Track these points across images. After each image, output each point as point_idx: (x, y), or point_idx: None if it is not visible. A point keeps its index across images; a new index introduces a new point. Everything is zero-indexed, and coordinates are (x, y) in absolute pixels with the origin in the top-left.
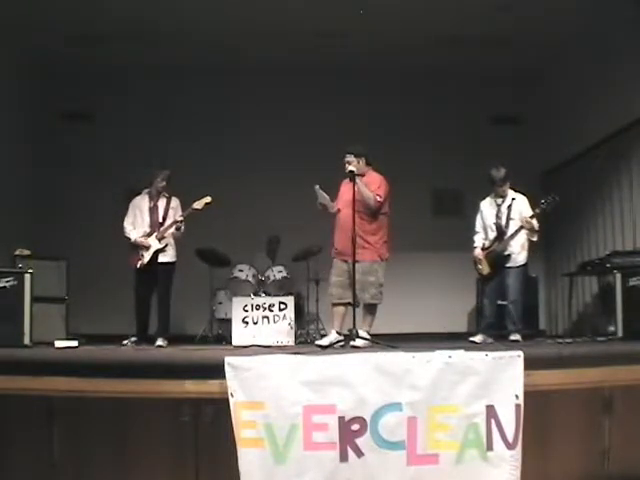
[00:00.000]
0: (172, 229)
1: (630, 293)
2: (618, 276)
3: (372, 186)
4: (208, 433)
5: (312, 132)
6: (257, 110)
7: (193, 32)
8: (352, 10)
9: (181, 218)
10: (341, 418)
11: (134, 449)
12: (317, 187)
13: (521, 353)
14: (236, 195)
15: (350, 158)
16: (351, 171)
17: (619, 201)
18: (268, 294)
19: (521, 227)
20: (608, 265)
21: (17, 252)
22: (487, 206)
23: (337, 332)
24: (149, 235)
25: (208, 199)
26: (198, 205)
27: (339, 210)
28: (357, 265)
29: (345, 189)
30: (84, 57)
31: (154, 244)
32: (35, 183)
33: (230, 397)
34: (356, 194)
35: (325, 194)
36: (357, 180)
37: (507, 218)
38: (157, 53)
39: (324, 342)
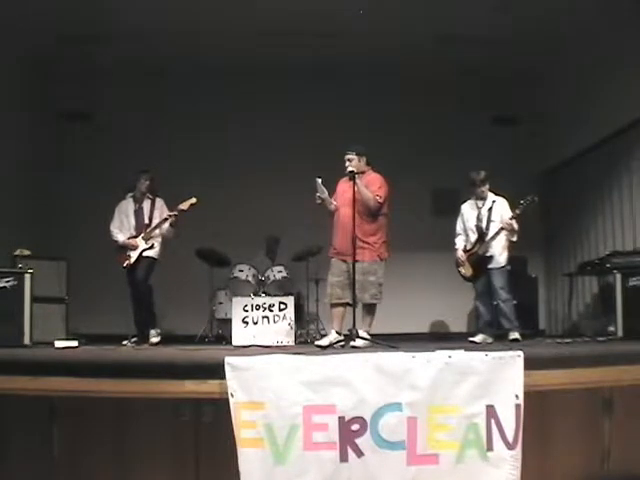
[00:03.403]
0: (158, 230)
1: (630, 293)
2: (618, 276)
3: (372, 186)
4: (208, 433)
5: (312, 132)
6: (257, 110)
7: (193, 32)
8: (352, 10)
9: (173, 213)
10: (341, 418)
11: (134, 449)
12: (319, 180)
13: (521, 353)
14: (236, 195)
15: (352, 156)
16: (351, 171)
17: (619, 201)
18: (268, 294)
19: (501, 229)
20: (608, 265)
21: (17, 252)
22: (468, 209)
23: (337, 332)
24: (135, 237)
25: (193, 200)
26: (184, 206)
27: (337, 209)
28: (357, 265)
29: (343, 188)
30: (84, 57)
31: (141, 245)
32: (35, 183)
33: (230, 397)
34: (356, 194)
35: (325, 189)
36: (357, 181)
37: (488, 220)
38: (157, 53)
39: (324, 342)
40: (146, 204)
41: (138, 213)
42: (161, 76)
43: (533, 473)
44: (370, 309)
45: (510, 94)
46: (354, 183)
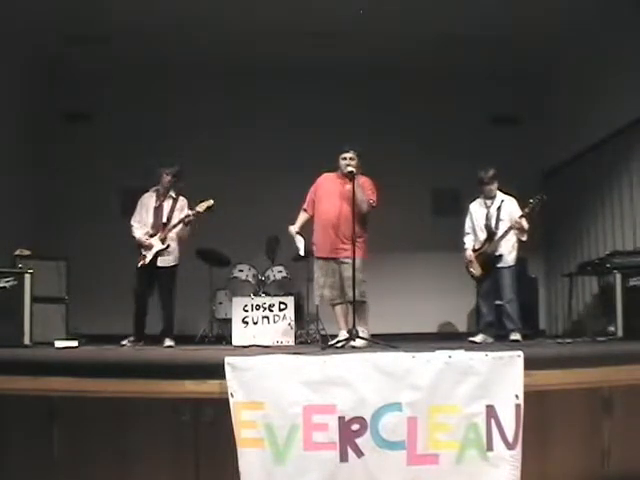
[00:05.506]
0: (176, 230)
1: (630, 293)
2: (618, 276)
3: (366, 190)
4: (208, 433)
5: (312, 132)
6: (256, 110)
7: (193, 32)
8: (352, 10)
9: (192, 213)
10: (341, 418)
11: (134, 449)
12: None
13: (521, 353)
14: (236, 195)
15: (353, 154)
16: (351, 171)
17: (619, 201)
18: (268, 294)
19: (510, 228)
20: (608, 265)
21: (17, 252)
22: (477, 208)
23: (347, 332)
24: (152, 236)
25: (211, 202)
26: (200, 208)
27: (314, 212)
28: (350, 263)
29: (329, 185)
30: (84, 57)
31: (156, 245)
32: (35, 183)
33: (230, 397)
34: (349, 195)
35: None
36: (356, 183)
37: (497, 219)
38: (157, 53)
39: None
40: (167, 203)
41: (157, 211)
42: (161, 76)
43: (533, 473)
44: (362, 307)
45: (510, 94)
46: (353, 184)
